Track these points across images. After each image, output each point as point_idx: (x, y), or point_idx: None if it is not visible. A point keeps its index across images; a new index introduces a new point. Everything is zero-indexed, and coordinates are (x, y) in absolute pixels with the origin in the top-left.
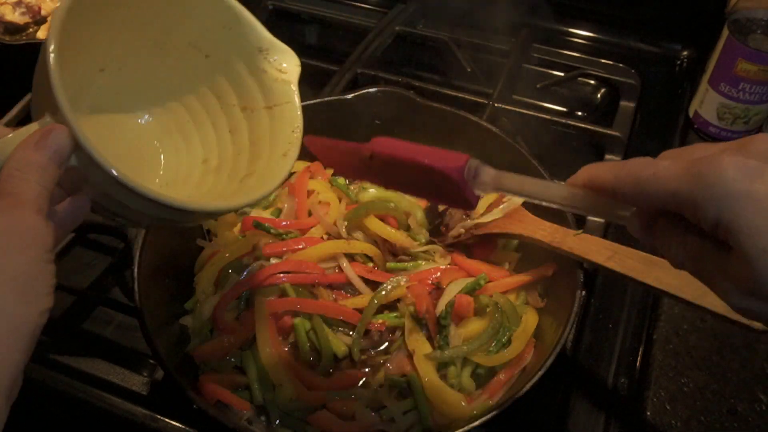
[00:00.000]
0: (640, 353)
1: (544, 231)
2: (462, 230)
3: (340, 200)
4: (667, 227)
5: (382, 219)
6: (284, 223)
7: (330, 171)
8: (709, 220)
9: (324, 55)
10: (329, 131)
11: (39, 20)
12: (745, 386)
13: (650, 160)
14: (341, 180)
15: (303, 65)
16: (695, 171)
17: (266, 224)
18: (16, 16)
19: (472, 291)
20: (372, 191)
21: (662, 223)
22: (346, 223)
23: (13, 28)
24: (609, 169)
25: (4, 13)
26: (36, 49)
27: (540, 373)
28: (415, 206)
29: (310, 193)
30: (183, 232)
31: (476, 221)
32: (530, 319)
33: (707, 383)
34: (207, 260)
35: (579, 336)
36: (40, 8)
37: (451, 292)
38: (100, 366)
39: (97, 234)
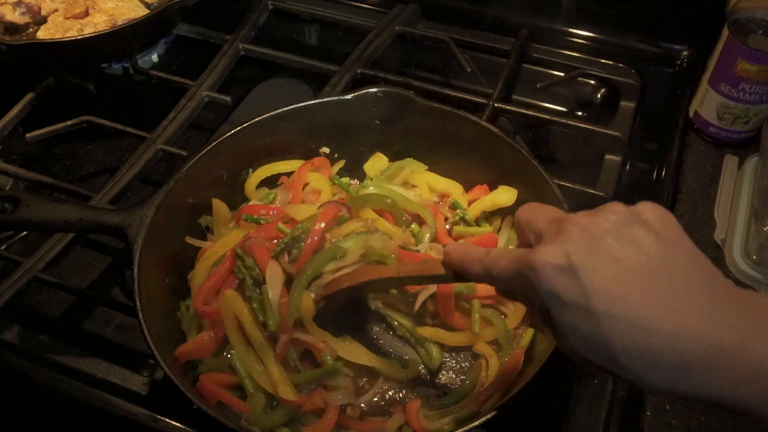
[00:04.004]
0: None
1: (391, 269)
2: (313, 296)
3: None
4: (517, 295)
5: (380, 215)
6: (273, 212)
7: (334, 167)
8: (537, 306)
9: (324, 55)
10: (329, 131)
11: (39, 20)
12: None
13: (495, 257)
14: (345, 179)
15: (303, 65)
16: (521, 271)
17: (256, 216)
18: (16, 16)
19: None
20: (372, 189)
21: (519, 297)
22: None
23: (13, 28)
24: (473, 262)
25: (4, 13)
26: (35, 49)
27: (538, 374)
28: (423, 209)
29: (306, 186)
30: (183, 232)
31: (324, 281)
32: (525, 336)
33: None
34: (200, 256)
35: None
36: (40, 8)
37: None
38: (100, 366)
39: (97, 234)
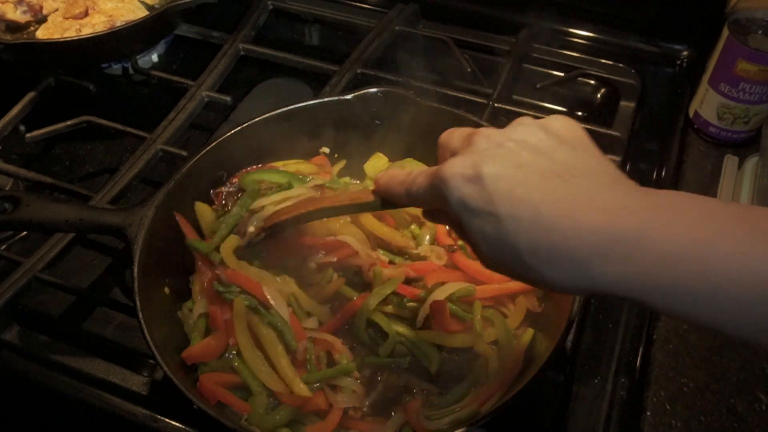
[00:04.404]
0: (640, 353)
1: (325, 200)
2: (252, 228)
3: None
4: (438, 214)
5: (381, 217)
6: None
7: (334, 167)
8: (452, 219)
9: (324, 55)
10: (329, 131)
11: (41, 19)
12: (745, 386)
13: (415, 176)
14: (344, 179)
15: (303, 65)
16: (434, 184)
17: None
18: (17, 15)
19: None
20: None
21: (435, 212)
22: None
23: (14, 27)
24: (397, 184)
25: (5, 12)
26: (33, 49)
27: (538, 374)
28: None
29: None
30: (183, 232)
31: (265, 214)
32: (525, 336)
33: (707, 383)
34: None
35: (579, 336)
36: (41, 7)
37: (433, 297)
38: (100, 366)
39: (97, 234)
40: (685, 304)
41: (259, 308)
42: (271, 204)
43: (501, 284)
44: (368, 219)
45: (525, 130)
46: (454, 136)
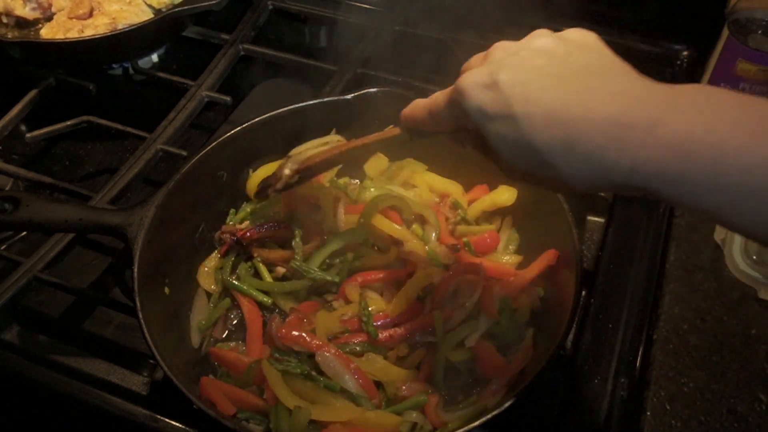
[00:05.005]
0: (640, 353)
1: (356, 141)
2: (288, 171)
3: (339, 200)
4: (463, 134)
5: (385, 214)
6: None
7: (328, 174)
8: (473, 132)
9: (324, 55)
10: (329, 131)
11: (49, 16)
12: (745, 386)
13: (436, 96)
14: (344, 180)
15: (303, 65)
16: (453, 98)
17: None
18: (26, 11)
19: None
20: (372, 190)
21: (462, 133)
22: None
23: (23, 23)
24: (421, 109)
25: (14, 8)
26: (36, 48)
27: (539, 374)
28: (426, 208)
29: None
30: (183, 232)
31: (302, 158)
32: (529, 333)
33: (707, 383)
34: None
35: (579, 336)
36: (50, 4)
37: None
38: (100, 366)
39: (97, 234)
40: (696, 194)
41: (312, 374)
42: (307, 149)
43: (512, 281)
44: (379, 220)
45: (540, 38)
46: (473, 57)
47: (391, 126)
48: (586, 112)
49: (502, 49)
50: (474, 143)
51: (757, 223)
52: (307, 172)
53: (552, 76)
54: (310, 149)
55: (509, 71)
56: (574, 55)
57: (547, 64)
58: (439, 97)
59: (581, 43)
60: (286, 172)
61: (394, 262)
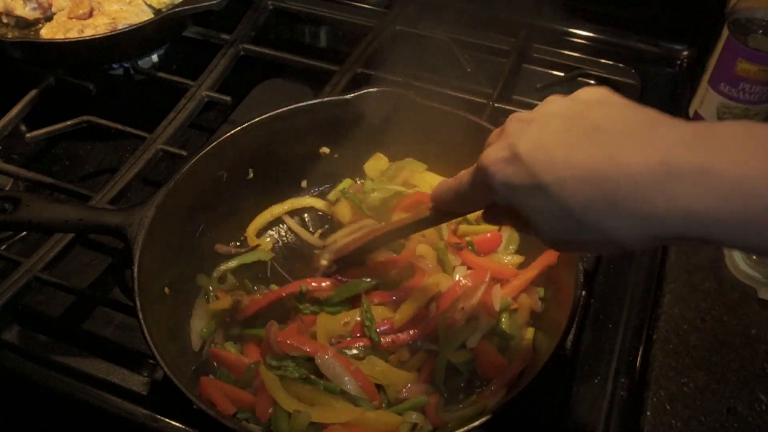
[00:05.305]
0: (640, 353)
1: (387, 225)
2: (325, 261)
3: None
4: (496, 213)
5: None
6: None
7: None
8: (504, 206)
9: (324, 55)
10: (329, 131)
11: (50, 16)
12: (745, 386)
13: (461, 176)
14: (346, 181)
15: (303, 65)
16: (477, 178)
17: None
18: (26, 11)
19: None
20: (376, 194)
21: (494, 211)
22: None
23: (23, 23)
24: (447, 190)
25: (14, 8)
26: (36, 48)
27: (539, 374)
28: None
29: None
30: (183, 232)
31: (336, 247)
32: (529, 333)
33: (707, 383)
34: None
35: (579, 336)
36: (51, 4)
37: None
38: (100, 366)
39: (97, 234)
40: (759, 236)
41: (312, 378)
42: (340, 237)
43: (513, 282)
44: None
45: (553, 104)
46: (491, 134)
47: (421, 208)
48: (620, 166)
49: (516, 120)
50: (508, 220)
51: None
52: (342, 262)
53: (573, 135)
54: (343, 237)
55: (528, 140)
56: (591, 112)
57: (566, 126)
58: (464, 177)
59: (594, 99)
60: (323, 263)
61: (404, 270)
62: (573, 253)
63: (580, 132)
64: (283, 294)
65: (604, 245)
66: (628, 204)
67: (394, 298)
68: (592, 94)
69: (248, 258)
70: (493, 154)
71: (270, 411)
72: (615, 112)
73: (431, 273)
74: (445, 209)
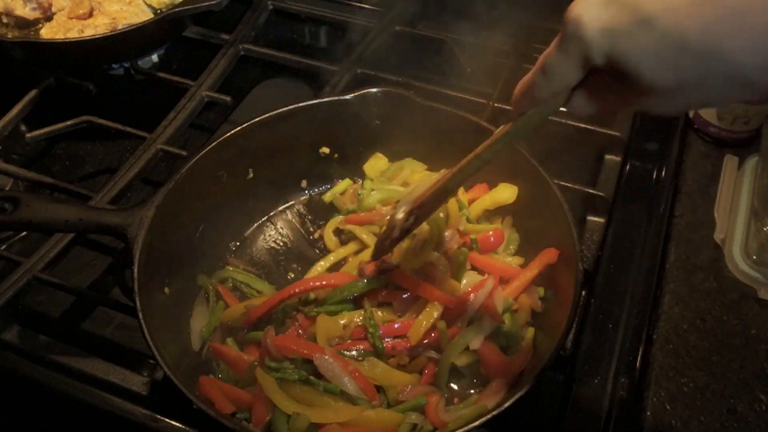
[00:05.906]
0: (640, 353)
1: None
2: (401, 214)
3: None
4: (591, 89)
5: None
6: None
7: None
8: (604, 63)
9: (324, 55)
10: (329, 131)
11: (50, 16)
12: (745, 386)
13: (542, 57)
14: (346, 182)
15: (303, 65)
16: (567, 38)
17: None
18: (26, 11)
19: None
20: (374, 193)
21: (592, 84)
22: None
23: (23, 23)
24: (531, 77)
25: (14, 8)
26: (36, 48)
27: (539, 374)
28: (441, 221)
29: None
30: (183, 232)
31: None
32: (529, 333)
33: (707, 383)
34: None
35: (579, 336)
36: (51, 4)
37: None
38: (100, 366)
39: (97, 234)
40: None
41: (311, 379)
42: (414, 188)
43: (514, 283)
44: None
45: None
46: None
47: (500, 127)
48: None
49: None
50: (609, 86)
51: None
52: (421, 210)
53: None
54: (417, 188)
55: None
56: None
57: None
58: (548, 54)
59: None
60: (400, 216)
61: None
62: (685, 110)
63: None
64: (285, 296)
65: (721, 83)
66: (757, 16)
67: (402, 297)
68: None
69: (256, 283)
70: (584, 1)
71: (267, 417)
72: None
73: (442, 280)
74: (529, 106)
